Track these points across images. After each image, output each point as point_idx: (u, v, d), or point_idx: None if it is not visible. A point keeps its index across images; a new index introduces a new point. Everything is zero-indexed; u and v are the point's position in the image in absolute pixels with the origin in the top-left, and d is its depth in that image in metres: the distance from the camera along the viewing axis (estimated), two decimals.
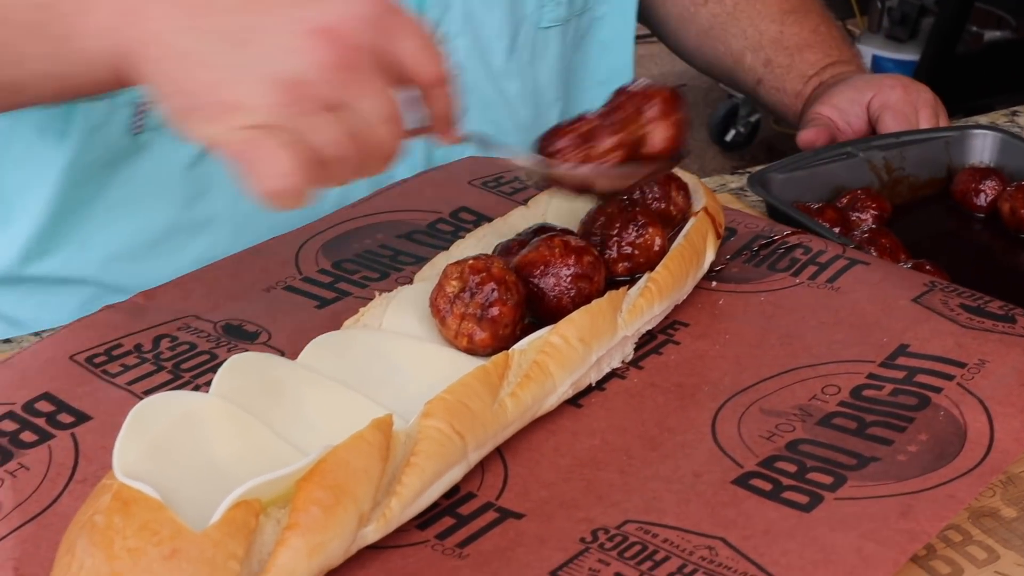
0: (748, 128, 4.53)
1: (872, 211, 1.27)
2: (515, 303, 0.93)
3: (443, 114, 0.91)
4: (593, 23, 1.53)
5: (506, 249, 1.01)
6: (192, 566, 0.72)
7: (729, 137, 4.53)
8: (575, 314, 0.94)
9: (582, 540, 0.81)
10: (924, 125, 1.41)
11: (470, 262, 0.94)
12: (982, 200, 1.31)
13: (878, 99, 1.43)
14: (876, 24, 4.57)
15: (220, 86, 0.81)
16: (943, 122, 1.44)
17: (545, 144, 0.98)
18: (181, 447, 0.80)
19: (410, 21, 0.86)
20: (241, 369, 0.86)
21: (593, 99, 1.53)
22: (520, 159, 0.98)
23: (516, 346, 0.91)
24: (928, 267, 1.15)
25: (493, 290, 0.92)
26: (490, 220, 1.12)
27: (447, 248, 1.07)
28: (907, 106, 1.41)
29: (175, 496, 0.75)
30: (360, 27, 0.82)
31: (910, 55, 4.28)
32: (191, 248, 1.30)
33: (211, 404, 0.82)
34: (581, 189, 1.00)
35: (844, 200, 1.28)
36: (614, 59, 1.56)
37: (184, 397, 0.82)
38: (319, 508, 0.76)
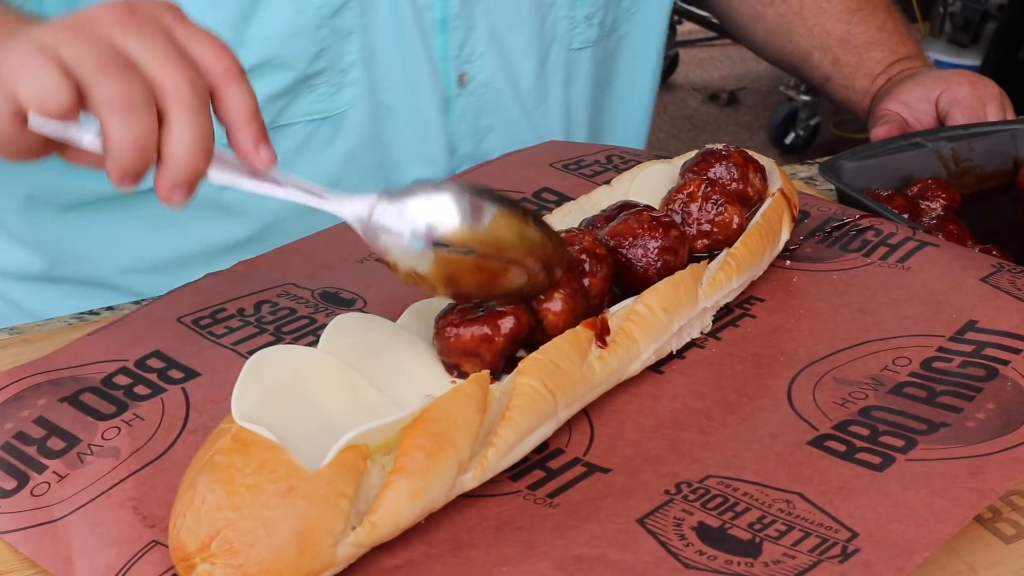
0: (807, 131, 4.56)
1: (942, 200, 1.31)
2: (605, 275, 0.98)
3: (244, 120, 0.86)
4: (619, 42, 1.56)
5: (591, 224, 1.06)
6: (306, 502, 0.78)
7: (788, 140, 4.56)
8: (659, 284, 0.98)
9: (666, 492, 0.86)
10: (992, 119, 1.45)
11: (563, 234, 0.98)
12: None
13: (946, 95, 1.47)
14: (938, 29, 4.58)
15: None
16: (1010, 115, 1.48)
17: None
18: (293, 397, 0.85)
19: (205, 31, 0.86)
20: (346, 328, 0.91)
21: (614, 116, 1.59)
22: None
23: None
24: (995, 252, 1.19)
25: (585, 261, 0.97)
26: (572, 200, 1.16)
27: None
28: (975, 101, 1.45)
29: (288, 442, 0.80)
30: (156, 8, 0.85)
31: (972, 60, 4.30)
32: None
33: (320, 359, 0.88)
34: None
35: (915, 188, 1.32)
36: (636, 74, 1.60)
37: (296, 351, 0.88)
38: (423, 454, 0.81)
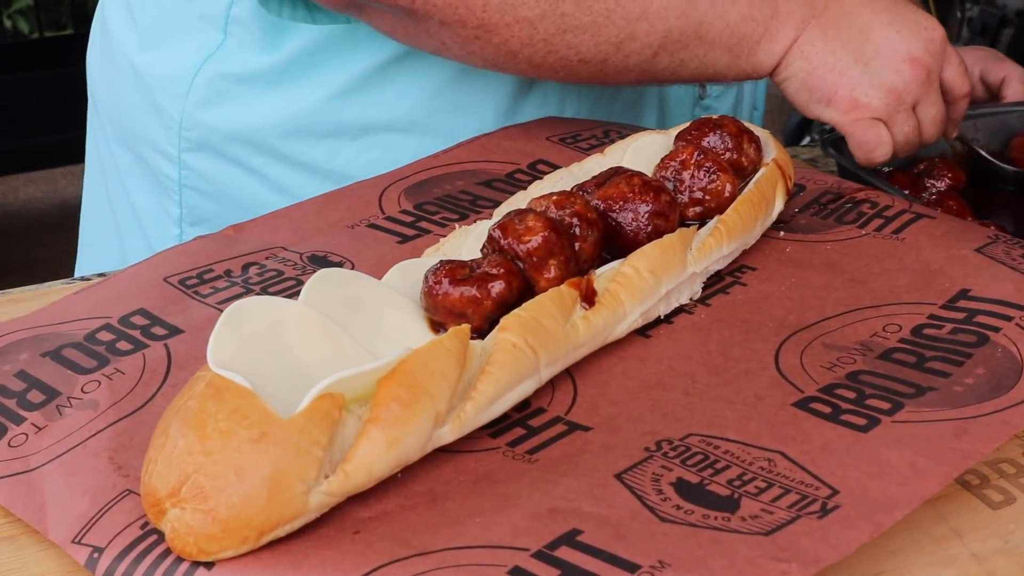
0: (823, 135, 4.54)
1: (947, 180, 1.30)
2: (595, 239, 0.97)
3: (957, 119, 1.32)
4: None
5: (581, 189, 1.05)
6: (279, 449, 0.77)
7: (804, 143, 4.54)
8: (647, 247, 0.97)
9: (646, 449, 0.84)
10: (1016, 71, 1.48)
11: (554, 197, 0.97)
12: None
13: (969, 59, 1.46)
14: (956, 34, 4.56)
15: (853, 88, 1.23)
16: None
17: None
18: (270, 347, 0.84)
19: (953, 52, 1.26)
20: (329, 281, 0.90)
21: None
22: None
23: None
24: (993, 227, 1.17)
25: (576, 226, 0.96)
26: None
27: None
28: (998, 56, 1.53)
29: (263, 390, 0.79)
30: (933, 56, 1.23)
31: None
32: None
33: (299, 311, 0.87)
34: None
35: (921, 167, 1.31)
36: None
37: (275, 302, 0.87)
38: (399, 404, 0.80)
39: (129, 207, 1.48)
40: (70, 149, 2.37)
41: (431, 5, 1.18)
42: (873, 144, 1.23)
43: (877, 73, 1.22)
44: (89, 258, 1.58)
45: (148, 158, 1.42)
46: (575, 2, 1.18)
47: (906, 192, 1.24)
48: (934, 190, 1.29)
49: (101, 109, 1.51)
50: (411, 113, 1.36)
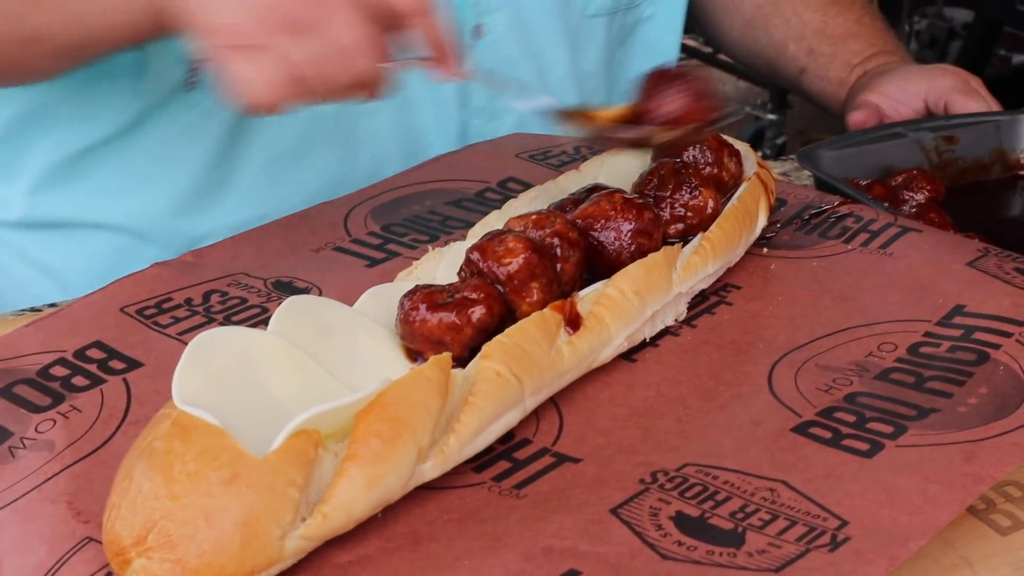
0: (775, 150, 4.53)
1: (926, 192, 1.27)
2: (577, 260, 0.92)
3: (436, 44, 0.98)
4: (639, 23, 1.53)
5: (560, 208, 1.00)
6: (252, 491, 0.72)
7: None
8: (631, 267, 0.93)
9: (641, 481, 0.80)
10: (983, 108, 1.41)
11: (533, 217, 0.93)
12: None
13: (935, 88, 1.42)
14: (903, 47, 4.57)
15: (207, 10, 0.94)
16: (994, 106, 1.44)
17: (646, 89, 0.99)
18: (239, 381, 0.79)
19: None
20: (299, 310, 0.85)
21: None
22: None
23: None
24: (977, 239, 1.14)
25: (557, 246, 0.91)
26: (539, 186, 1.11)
27: None
28: (967, 88, 1.42)
29: (233, 427, 0.74)
30: None
31: None
32: (223, 206, 1.31)
33: (269, 341, 0.82)
34: (632, 144, 1.00)
35: (899, 179, 1.27)
36: (657, 60, 1.55)
37: (243, 333, 0.82)
38: (379, 440, 0.75)
39: None
40: None
41: None
42: (235, 79, 0.94)
43: None
44: None
45: None
46: None
47: (886, 205, 1.20)
48: (913, 203, 1.25)
49: None
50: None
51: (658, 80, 1.01)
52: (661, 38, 1.56)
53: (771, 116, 4.62)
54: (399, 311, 0.87)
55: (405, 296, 0.87)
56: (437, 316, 0.85)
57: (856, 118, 1.39)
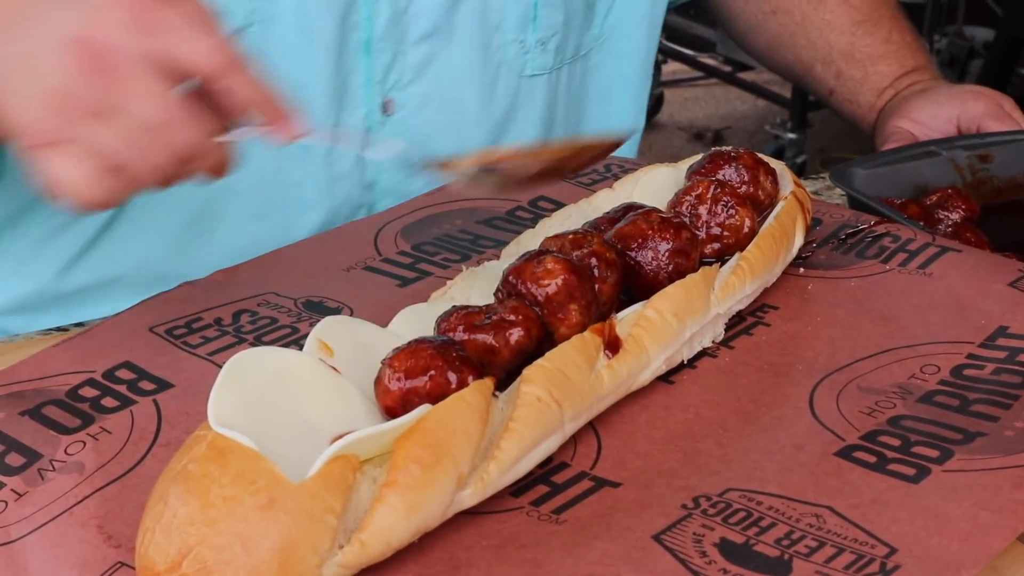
0: (795, 169, 4.51)
1: (961, 211, 1.25)
2: (615, 281, 0.91)
3: (262, 104, 0.88)
4: (589, 72, 1.44)
5: (595, 227, 0.99)
6: (289, 517, 0.70)
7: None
8: (669, 288, 0.91)
9: (684, 507, 0.78)
10: (1016, 126, 1.39)
11: (570, 237, 0.92)
12: None
13: (967, 111, 1.41)
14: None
15: (7, 110, 0.85)
16: None
17: None
18: (275, 402, 0.78)
19: (179, 13, 0.85)
20: (334, 331, 0.84)
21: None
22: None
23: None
24: (1015, 259, 1.12)
25: (594, 267, 0.90)
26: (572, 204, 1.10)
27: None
28: (998, 109, 1.40)
29: (269, 449, 0.73)
30: (114, 30, 0.84)
31: None
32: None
33: (305, 363, 0.81)
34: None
35: (933, 198, 1.26)
36: (613, 108, 1.49)
37: (279, 353, 0.80)
38: (419, 466, 0.74)
39: None
40: None
41: None
42: (55, 179, 0.86)
43: (30, 75, 0.86)
44: None
45: None
46: None
47: (921, 224, 1.19)
48: (949, 222, 1.23)
49: None
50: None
51: None
52: (612, 85, 1.47)
53: (791, 135, 4.61)
54: (435, 332, 0.85)
55: (441, 317, 0.86)
56: (473, 339, 0.84)
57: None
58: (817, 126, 4.67)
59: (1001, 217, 1.32)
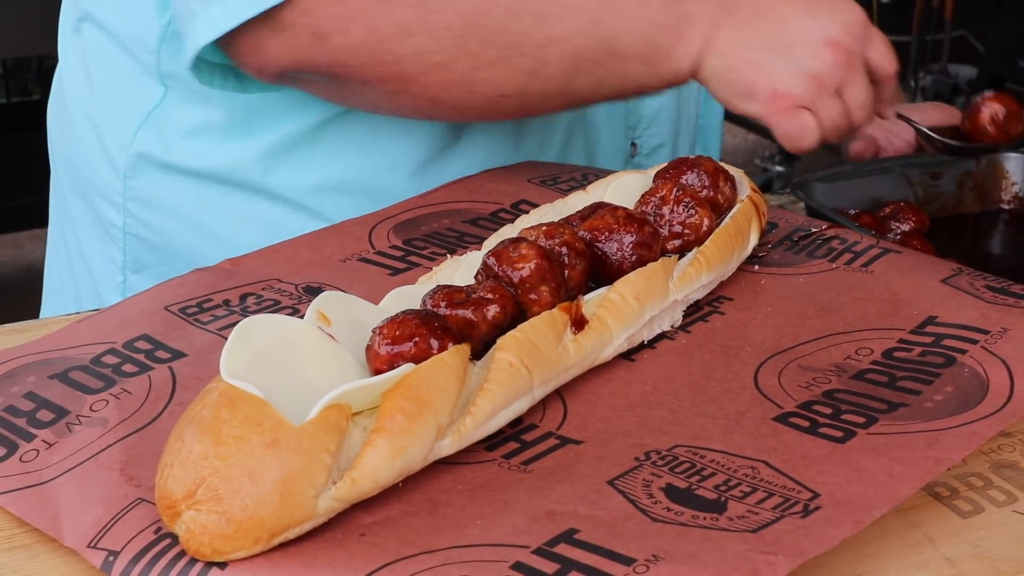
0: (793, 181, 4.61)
1: (912, 222, 1.36)
2: (583, 268, 1.02)
3: (886, 100, 1.32)
4: None
5: (568, 221, 1.09)
6: (290, 455, 0.81)
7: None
8: (631, 275, 1.02)
9: (636, 459, 0.89)
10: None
11: (544, 227, 1.02)
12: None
13: (928, 119, 1.52)
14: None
15: (772, 79, 1.24)
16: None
17: None
18: (279, 361, 0.88)
19: (876, 32, 1.28)
20: (332, 304, 0.94)
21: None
22: None
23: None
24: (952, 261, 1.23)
25: (565, 254, 1.00)
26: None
27: None
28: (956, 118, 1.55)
29: (273, 400, 0.83)
30: (854, 38, 1.25)
31: None
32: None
33: (306, 330, 0.91)
34: None
35: (887, 210, 1.37)
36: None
37: (284, 320, 0.91)
38: (403, 416, 0.84)
39: (80, 254, 1.52)
40: (36, 213, 2.36)
41: (350, 68, 1.23)
42: (798, 133, 1.25)
43: (796, 61, 1.23)
44: (49, 303, 1.61)
45: (97, 206, 1.47)
46: (481, 39, 1.22)
47: (872, 232, 1.30)
48: (899, 231, 1.34)
49: (58, 159, 1.55)
50: (343, 173, 1.41)
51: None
52: None
53: (779, 168, 4.73)
54: (421, 307, 0.96)
55: (427, 295, 0.96)
56: (454, 313, 0.94)
57: (855, 148, 1.49)
58: (804, 160, 4.78)
59: (951, 230, 1.43)
